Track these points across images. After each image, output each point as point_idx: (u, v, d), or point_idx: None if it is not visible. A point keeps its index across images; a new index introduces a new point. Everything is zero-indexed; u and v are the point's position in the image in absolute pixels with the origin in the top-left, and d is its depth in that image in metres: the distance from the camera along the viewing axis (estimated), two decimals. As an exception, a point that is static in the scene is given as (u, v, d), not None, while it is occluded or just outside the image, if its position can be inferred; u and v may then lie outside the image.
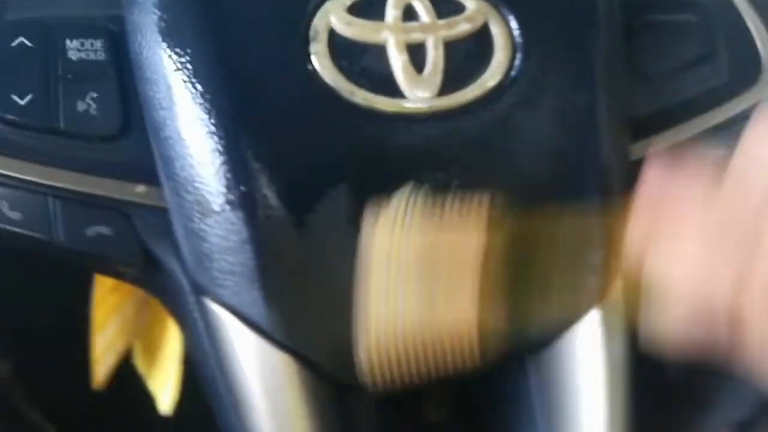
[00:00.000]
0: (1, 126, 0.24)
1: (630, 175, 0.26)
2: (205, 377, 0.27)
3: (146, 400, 0.37)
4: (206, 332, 0.25)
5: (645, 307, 0.22)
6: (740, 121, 0.29)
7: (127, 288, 0.38)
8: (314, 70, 0.24)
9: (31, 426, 0.27)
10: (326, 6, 0.24)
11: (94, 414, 0.33)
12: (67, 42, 0.25)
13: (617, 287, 0.26)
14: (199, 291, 0.25)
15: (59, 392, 0.32)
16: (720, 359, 0.21)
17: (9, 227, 0.24)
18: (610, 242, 0.25)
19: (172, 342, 0.38)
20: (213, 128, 0.23)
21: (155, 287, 0.27)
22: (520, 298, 0.24)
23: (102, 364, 0.37)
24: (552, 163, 0.25)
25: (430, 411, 0.38)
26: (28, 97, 0.24)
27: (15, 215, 0.24)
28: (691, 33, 0.29)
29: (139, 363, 0.39)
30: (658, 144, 0.28)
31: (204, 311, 0.25)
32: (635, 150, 0.27)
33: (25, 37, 0.25)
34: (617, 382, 0.27)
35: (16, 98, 0.24)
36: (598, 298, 0.26)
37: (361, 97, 0.24)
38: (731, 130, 0.29)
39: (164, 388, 0.38)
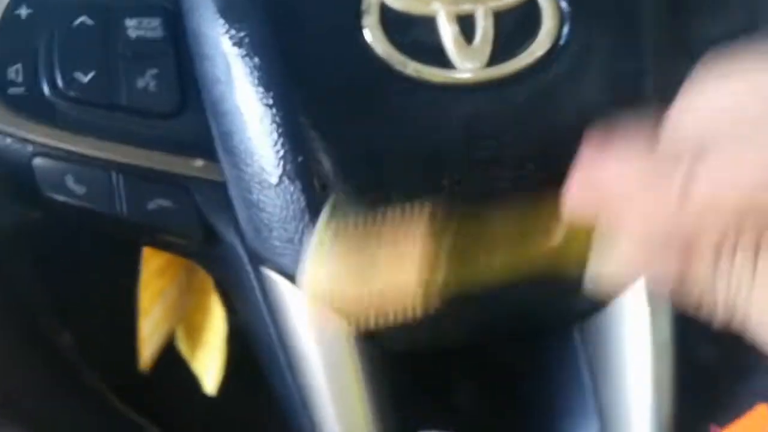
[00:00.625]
0: (65, 103, 0.25)
1: None
2: (261, 345, 0.27)
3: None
4: (264, 301, 0.26)
5: (593, 249, 0.22)
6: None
7: (171, 273, 0.39)
8: (367, 43, 0.24)
9: (96, 395, 0.28)
10: None
11: (146, 388, 0.34)
12: (126, 20, 0.25)
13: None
14: (258, 261, 0.26)
15: (117, 366, 0.33)
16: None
17: (75, 201, 0.25)
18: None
19: (216, 325, 0.39)
20: (270, 101, 0.24)
21: (212, 260, 0.28)
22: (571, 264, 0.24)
23: (148, 346, 0.37)
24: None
25: (462, 401, 0.39)
26: (91, 75, 0.25)
27: (80, 189, 0.25)
28: (733, 4, 0.29)
29: (182, 346, 0.40)
30: None
31: (262, 280, 0.26)
32: None
33: (86, 17, 0.25)
34: (663, 349, 0.28)
35: (79, 76, 0.25)
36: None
37: (413, 68, 0.24)
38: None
39: (209, 370, 0.39)
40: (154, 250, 0.35)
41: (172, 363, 0.38)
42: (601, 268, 0.22)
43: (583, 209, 0.22)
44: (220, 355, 0.38)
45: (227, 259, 0.27)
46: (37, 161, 0.25)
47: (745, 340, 0.33)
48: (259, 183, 0.24)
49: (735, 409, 0.30)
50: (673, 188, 0.20)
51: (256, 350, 0.28)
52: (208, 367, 0.39)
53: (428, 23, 0.25)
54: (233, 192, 0.25)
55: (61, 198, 0.25)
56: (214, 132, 0.25)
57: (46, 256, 0.32)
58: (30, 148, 0.25)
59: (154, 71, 0.25)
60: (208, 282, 0.39)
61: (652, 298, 0.27)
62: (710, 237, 0.20)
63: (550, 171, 0.25)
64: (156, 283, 0.37)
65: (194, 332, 0.40)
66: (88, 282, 0.35)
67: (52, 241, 0.32)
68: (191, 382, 0.38)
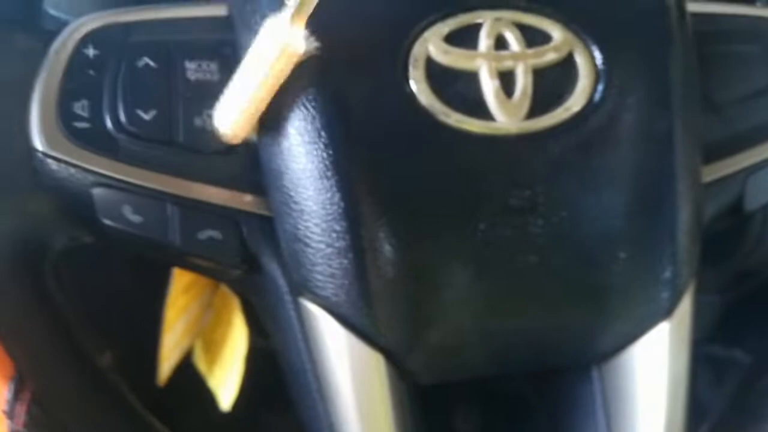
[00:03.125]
0: (128, 138, 0.26)
1: (703, 195, 0.28)
2: (294, 372, 0.28)
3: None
4: (301, 330, 0.27)
5: None
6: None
7: (196, 290, 0.40)
8: (412, 94, 0.26)
9: (137, 414, 0.29)
10: (425, 35, 0.26)
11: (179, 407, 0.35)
12: (186, 63, 0.27)
13: (686, 302, 0.28)
14: (298, 292, 0.27)
15: (152, 384, 0.34)
16: None
17: (130, 230, 0.27)
18: (681, 259, 0.27)
19: (237, 343, 0.40)
20: (320, 146, 0.25)
21: (251, 287, 0.29)
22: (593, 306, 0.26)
23: (168, 361, 0.38)
24: (630, 185, 0.27)
25: (458, 423, 0.40)
26: (152, 113, 0.26)
27: (136, 219, 0.26)
28: (760, 63, 0.31)
29: (200, 361, 0.41)
30: (727, 168, 0.30)
31: (301, 311, 0.27)
32: (706, 173, 0.29)
33: (149, 58, 0.27)
34: (678, 395, 0.29)
35: (141, 113, 0.26)
36: (667, 311, 0.28)
37: (455, 119, 0.26)
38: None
39: (225, 386, 0.40)
40: (182, 269, 0.36)
41: (195, 379, 0.39)
42: None
43: None
44: (238, 372, 0.39)
45: (267, 288, 0.28)
46: (97, 191, 0.26)
47: (754, 386, 0.34)
48: (306, 221, 0.26)
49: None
50: None
51: (288, 376, 0.29)
52: (225, 384, 0.40)
53: (471, 77, 0.26)
54: (279, 227, 0.27)
55: (118, 226, 0.26)
56: (265, 170, 0.27)
57: (86, 276, 0.33)
58: (91, 178, 0.26)
59: (210, 111, 0.26)
60: (231, 300, 0.40)
61: (672, 342, 0.28)
62: None
63: (580, 221, 0.26)
64: (181, 300, 0.38)
65: (213, 348, 0.41)
66: (123, 301, 0.36)
67: (89, 261, 0.33)
68: (210, 396, 0.39)
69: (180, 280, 0.38)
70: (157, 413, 0.31)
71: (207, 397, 0.39)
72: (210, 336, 0.41)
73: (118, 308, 0.36)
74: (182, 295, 0.39)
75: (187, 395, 0.39)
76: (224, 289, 0.40)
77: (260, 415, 0.41)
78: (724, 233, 0.31)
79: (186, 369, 0.39)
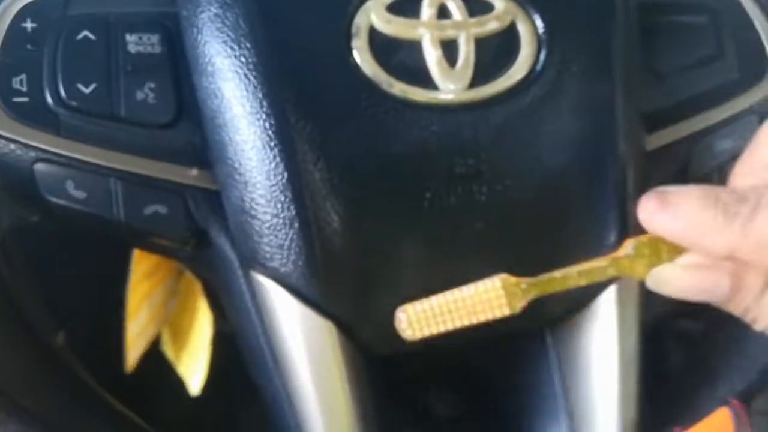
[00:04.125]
0: (68, 112, 0.26)
1: (646, 164, 0.29)
2: (249, 346, 0.29)
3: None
4: (253, 303, 0.27)
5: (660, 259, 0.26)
6: (747, 114, 0.31)
7: (158, 276, 0.39)
8: (356, 64, 0.26)
9: (90, 392, 0.29)
10: (367, 5, 0.26)
11: (136, 387, 0.35)
12: (127, 36, 0.27)
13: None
14: (248, 265, 0.27)
15: (108, 365, 0.34)
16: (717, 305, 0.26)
17: (74, 206, 0.26)
18: (628, 225, 0.28)
19: (202, 328, 0.40)
20: (263, 116, 0.25)
21: (204, 263, 0.29)
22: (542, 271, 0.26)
23: (134, 348, 0.38)
24: (573, 151, 0.27)
25: (438, 406, 0.40)
26: (92, 87, 0.26)
27: (80, 194, 0.26)
28: (702, 33, 0.31)
29: (167, 349, 0.41)
30: (671, 135, 0.30)
31: (252, 284, 0.27)
32: (651, 141, 0.29)
33: (88, 31, 0.27)
34: (631, 355, 0.29)
35: (81, 87, 0.26)
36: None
37: (398, 88, 0.26)
38: (739, 123, 0.31)
39: (194, 372, 0.40)
40: (143, 253, 0.36)
41: (162, 363, 0.39)
42: (666, 276, 0.26)
43: (655, 227, 0.26)
44: (206, 358, 0.39)
45: (218, 263, 0.28)
46: (39, 167, 0.26)
47: (709, 345, 0.34)
48: (251, 192, 0.26)
49: (698, 412, 0.32)
50: (737, 222, 0.24)
51: (244, 352, 0.30)
52: (194, 369, 0.40)
53: (414, 47, 0.26)
54: (226, 200, 0.27)
55: (61, 202, 0.26)
56: (209, 142, 0.27)
57: (40, 257, 0.33)
58: (32, 154, 0.26)
59: (152, 84, 0.26)
60: (195, 285, 0.40)
61: (622, 303, 0.29)
62: (760, 269, 0.25)
63: (524, 187, 0.27)
64: (143, 286, 0.38)
65: (180, 335, 0.41)
66: (81, 283, 0.36)
67: (46, 242, 0.33)
68: (179, 382, 0.39)
69: (140, 265, 0.38)
70: (126, 397, 0.31)
71: (176, 383, 0.39)
72: (176, 323, 0.41)
73: (76, 289, 0.36)
74: (144, 281, 0.38)
75: (156, 381, 0.39)
76: (188, 275, 0.40)
77: (230, 399, 0.41)
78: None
79: (155, 355, 0.39)
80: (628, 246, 0.26)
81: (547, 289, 0.26)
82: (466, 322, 0.25)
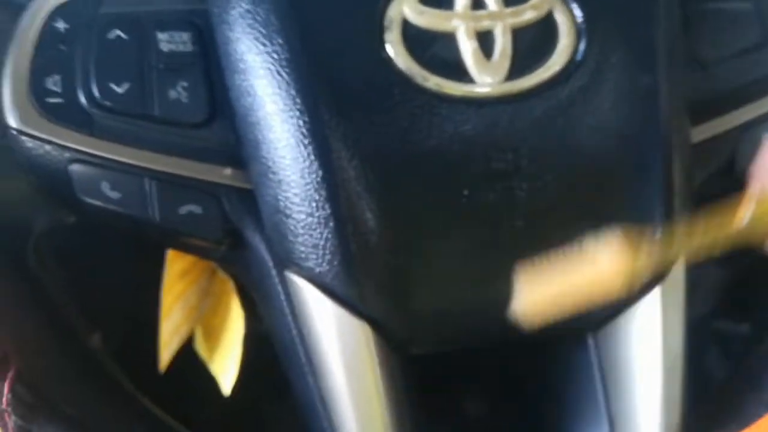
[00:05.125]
0: (102, 113, 0.26)
1: (692, 157, 0.28)
2: (284, 348, 0.28)
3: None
4: (287, 303, 0.27)
5: None
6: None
7: (192, 276, 0.39)
8: (389, 58, 0.25)
9: (126, 394, 0.29)
10: None
11: (171, 387, 0.35)
12: (158, 34, 0.27)
13: (678, 265, 0.28)
14: (282, 265, 0.27)
15: (144, 366, 0.34)
16: None
17: (109, 206, 0.26)
18: (672, 222, 0.27)
19: (235, 328, 0.40)
20: (297, 113, 0.25)
21: (238, 263, 0.29)
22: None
23: (168, 348, 0.38)
24: (615, 145, 0.26)
25: (473, 408, 0.40)
26: (125, 86, 0.26)
27: (115, 195, 0.26)
28: (747, 20, 0.30)
29: (200, 348, 0.41)
30: (717, 127, 0.29)
31: (286, 284, 0.27)
32: (696, 134, 0.28)
33: (120, 30, 0.26)
34: (674, 358, 0.28)
35: (114, 87, 0.26)
36: (660, 277, 0.27)
37: (433, 82, 0.25)
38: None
39: (226, 371, 0.40)
40: (177, 253, 0.36)
41: (196, 364, 0.39)
42: None
43: None
44: (238, 357, 0.39)
45: (253, 263, 0.28)
46: (74, 167, 0.26)
47: (753, 348, 0.33)
48: (285, 191, 0.25)
49: (744, 418, 0.31)
50: None
51: (278, 352, 0.29)
52: (226, 369, 0.40)
53: (449, 39, 0.26)
54: (260, 199, 0.26)
55: (96, 203, 0.26)
56: (242, 141, 0.26)
57: (75, 259, 0.33)
58: (67, 154, 0.26)
59: (184, 83, 0.26)
60: (228, 285, 0.40)
61: (666, 306, 0.28)
62: None
63: (565, 182, 0.26)
64: (178, 285, 0.38)
65: (212, 334, 0.41)
66: (115, 283, 0.36)
67: (82, 243, 0.33)
68: (212, 382, 0.39)
69: (174, 266, 0.38)
70: (159, 397, 0.31)
71: (209, 383, 0.39)
72: (209, 322, 0.41)
73: (111, 290, 0.36)
74: (178, 281, 0.38)
75: (190, 381, 0.39)
76: (221, 275, 0.40)
77: (262, 400, 0.41)
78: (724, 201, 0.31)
79: (188, 355, 0.39)
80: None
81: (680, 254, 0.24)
82: (581, 302, 0.24)
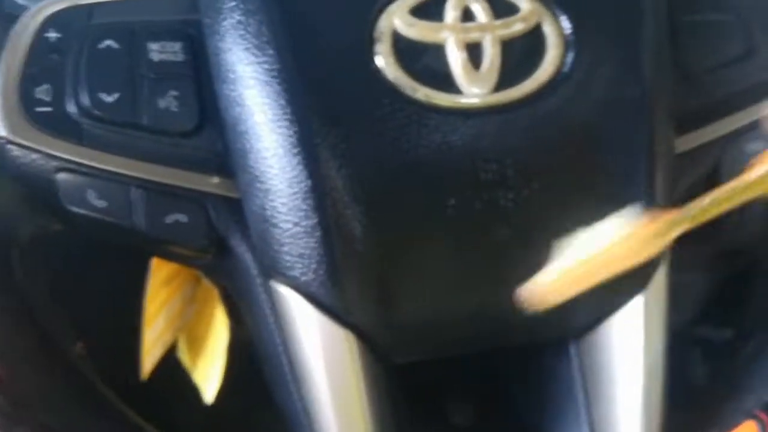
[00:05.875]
0: (91, 121, 0.26)
1: (676, 166, 0.28)
2: (267, 355, 0.28)
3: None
4: (272, 312, 0.27)
5: None
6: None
7: (176, 283, 0.39)
8: (379, 69, 0.25)
9: (108, 404, 0.29)
10: (390, 8, 0.26)
11: (152, 397, 0.34)
12: (149, 44, 0.27)
13: (660, 274, 0.28)
14: (268, 274, 0.27)
15: (126, 375, 0.34)
16: None
17: (95, 215, 0.26)
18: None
19: (219, 336, 0.39)
20: (286, 123, 0.25)
21: (224, 272, 0.29)
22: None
23: (150, 356, 0.38)
24: (601, 155, 0.26)
25: (455, 413, 0.40)
26: (115, 96, 0.26)
27: (101, 204, 0.26)
28: (732, 31, 0.30)
29: (183, 356, 0.41)
30: (701, 138, 0.29)
31: (271, 292, 0.27)
32: (680, 143, 0.29)
33: (111, 40, 0.26)
34: (656, 368, 0.28)
35: (104, 96, 0.26)
36: (642, 285, 0.28)
37: (422, 93, 0.25)
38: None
39: (209, 380, 0.39)
40: (161, 261, 0.36)
41: (178, 373, 0.39)
42: None
43: None
44: (221, 365, 0.39)
45: (238, 272, 0.28)
46: (61, 176, 0.26)
47: (734, 355, 0.34)
48: (272, 200, 0.25)
49: (724, 425, 0.31)
50: None
51: (262, 361, 0.29)
52: (209, 377, 0.39)
53: (438, 50, 0.26)
54: (247, 208, 0.26)
55: (81, 211, 0.26)
56: (231, 150, 0.26)
57: (59, 267, 0.32)
58: (54, 163, 0.26)
59: (174, 92, 0.26)
60: (212, 293, 0.40)
61: (649, 313, 0.28)
62: None
63: (552, 192, 0.26)
64: (162, 293, 0.38)
65: (196, 342, 0.41)
66: (98, 291, 0.36)
67: (64, 251, 0.32)
68: (194, 390, 0.38)
69: (159, 273, 0.38)
70: (141, 406, 0.31)
71: (193, 391, 0.39)
72: (193, 330, 0.41)
73: (94, 298, 0.36)
74: (162, 288, 0.38)
75: (172, 389, 0.39)
76: (206, 282, 0.40)
77: (247, 408, 0.40)
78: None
79: (171, 363, 0.39)
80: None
81: (699, 220, 0.24)
82: (603, 278, 0.23)
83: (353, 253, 0.25)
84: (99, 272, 0.36)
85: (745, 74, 0.30)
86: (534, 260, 0.26)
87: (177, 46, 0.27)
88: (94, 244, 0.30)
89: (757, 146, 0.30)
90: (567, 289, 0.23)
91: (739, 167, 0.30)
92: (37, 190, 0.26)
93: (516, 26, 0.26)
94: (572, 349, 0.29)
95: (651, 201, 0.27)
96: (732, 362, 0.34)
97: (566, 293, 0.23)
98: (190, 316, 0.41)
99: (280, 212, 0.25)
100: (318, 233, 0.25)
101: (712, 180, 0.30)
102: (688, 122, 0.29)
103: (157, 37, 0.27)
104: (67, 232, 0.28)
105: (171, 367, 0.39)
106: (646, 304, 0.28)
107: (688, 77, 0.29)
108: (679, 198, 0.28)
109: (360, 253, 0.25)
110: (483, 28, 0.26)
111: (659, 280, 0.28)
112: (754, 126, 0.30)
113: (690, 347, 0.40)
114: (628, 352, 0.28)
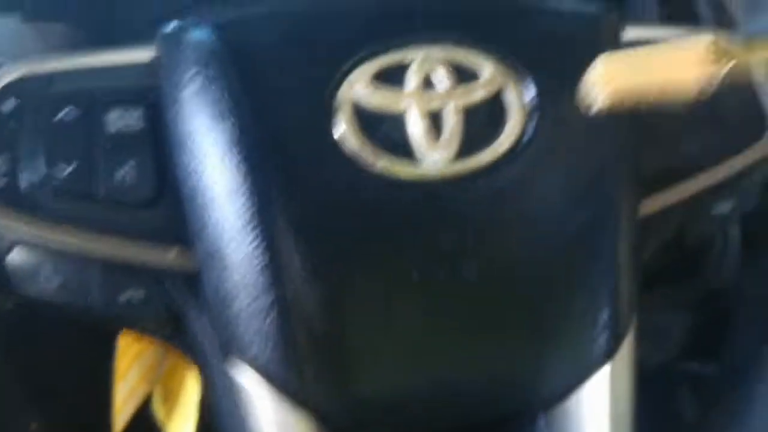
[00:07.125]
0: (46, 195, 0.25)
1: (640, 233, 0.28)
2: (225, 429, 0.27)
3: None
4: (229, 388, 0.26)
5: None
6: (745, 176, 0.30)
7: (149, 338, 0.39)
8: (338, 141, 0.25)
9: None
10: (352, 76, 0.25)
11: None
12: (108, 113, 0.26)
13: (627, 342, 0.27)
14: (226, 350, 0.26)
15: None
16: None
17: (47, 294, 0.25)
18: (621, 300, 0.26)
19: (191, 390, 0.38)
20: (243, 196, 0.24)
21: (182, 344, 0.28)
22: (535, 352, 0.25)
23: (123, 411, 0.37)
24: (563, 224, 0.26)
25: None
26: (71, 167, 0.25)
27: (54, 283, 0.25)
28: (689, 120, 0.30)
29: (158, 410, 0.40)
30: (664, 200, 0.29)
31: (229, 369, 0.26)
32: (642, 206, 0.28)
33: (69, 108, 0.26)
34: None
35: (60, 168, 0.25)
36: (609, 353, 0.27)
37: (381, 165, 0.25)
38: (737, 185, 0.30)
39: (183, 432, 0.38)
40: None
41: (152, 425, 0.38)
42: None
43: None
44: (193, 420, 0.38)
45: (196, 346, 0.27)
46: (13, 254, 0.25)
47: (725, 396, 0.33)
48: (229, 276, 0.25)
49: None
50: None
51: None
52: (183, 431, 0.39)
53: (399, 119, 0.26)
54: (205, 282, 0.26)
55: (33, 290, 0.25)
56: (189, 222, 0.26)
57: (15, 344, 0.31)
58: (6, 240, 0.25)
59: (132, 162, 0.26)
60: (184, 349, 0.39)
61: (615, 385, 0.27)
62: None
63: (514, 262, 0.25)
64: (133, 347, 0.37)
65: (170, 395, 0.40)
66: (56, 370, 0.35)
67: (21, 329, 0.32)
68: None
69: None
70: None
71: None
72: (168, 383, 0.40)
73: (54, 376, 0.35)
74: (135, 341, 0.38)
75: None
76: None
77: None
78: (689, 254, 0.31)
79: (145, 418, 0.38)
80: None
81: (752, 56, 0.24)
82: (662, 79, 0.23)
83: (311, 333, 0.25)
84: (58, 344, 0.35)
85: (709, 133, 0.30)
86: (498, 333, 0.26)
87: (136, 114, 0.26)
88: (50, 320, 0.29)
89: (724, 207, 0.29)
90: (629, 77, 0.24)
91: (705, 229, 0.30)
92: None
93: (477, 93, 0.26)
94: (541, 421, 0.28)
95: (614, 269, 0.26)
96: (721, 400, 0.33)
97: (627, 82, 0.24)
98: (165, 368, 0.40)
99: (236, 288, 0.25)
100: (274, 311, 0.24)
101: (679, 244, 0.29)
102: (649, 184, 0.29)
103: (116, 106, 0.26)
104: (20, 309, 0.27)
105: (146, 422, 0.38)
106: (614, 374, 0.27)
107: (650, 137, 0.29)
108: (646, 264, 0.28)
109: (318, 333, 0.25)
110: (444, 96, 0.26)
111: (627, 347, 0.27)
112: (720, 187, 0.30)
113: (678, 383, 0.39)
114: (596, 422, 0.28)
